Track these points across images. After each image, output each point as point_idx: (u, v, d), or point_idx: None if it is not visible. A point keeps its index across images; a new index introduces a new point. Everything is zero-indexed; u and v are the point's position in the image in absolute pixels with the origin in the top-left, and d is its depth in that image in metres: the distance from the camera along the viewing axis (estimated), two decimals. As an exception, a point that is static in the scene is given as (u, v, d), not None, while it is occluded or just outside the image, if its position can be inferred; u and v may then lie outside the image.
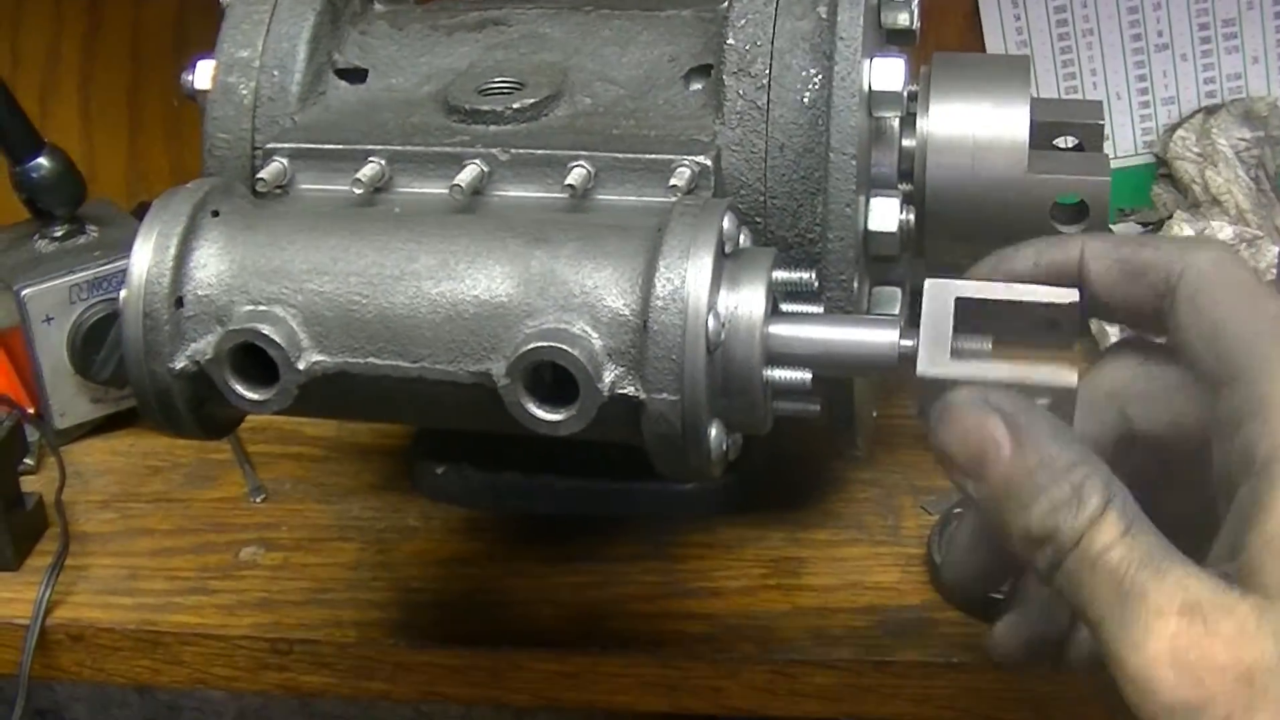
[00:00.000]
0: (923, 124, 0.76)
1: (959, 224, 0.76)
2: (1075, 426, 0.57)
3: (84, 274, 0.94)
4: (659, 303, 0.58)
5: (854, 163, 0.69)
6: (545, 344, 0.59)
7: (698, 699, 0.78)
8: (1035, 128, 0.76)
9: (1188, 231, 0.97)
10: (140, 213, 1.02)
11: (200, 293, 0.63)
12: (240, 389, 0.62)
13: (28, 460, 0.91)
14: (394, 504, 0.89)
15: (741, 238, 0.63)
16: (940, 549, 0.80)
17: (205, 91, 0.77)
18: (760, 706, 0.78)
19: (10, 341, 0.99)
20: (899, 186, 0.75)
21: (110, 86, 1.18)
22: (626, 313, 0.60)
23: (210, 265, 0.64)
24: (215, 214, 0.65)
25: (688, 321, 0.58)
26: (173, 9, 1.16)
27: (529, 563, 0.83)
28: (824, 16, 0.71)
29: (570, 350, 0.59)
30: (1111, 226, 1.00)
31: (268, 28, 0.76)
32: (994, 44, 1.09)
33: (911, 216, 0.75)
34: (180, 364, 0.63)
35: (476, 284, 0.61)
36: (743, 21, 0.72)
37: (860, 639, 0.77)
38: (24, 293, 0.93)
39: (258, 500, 0.90)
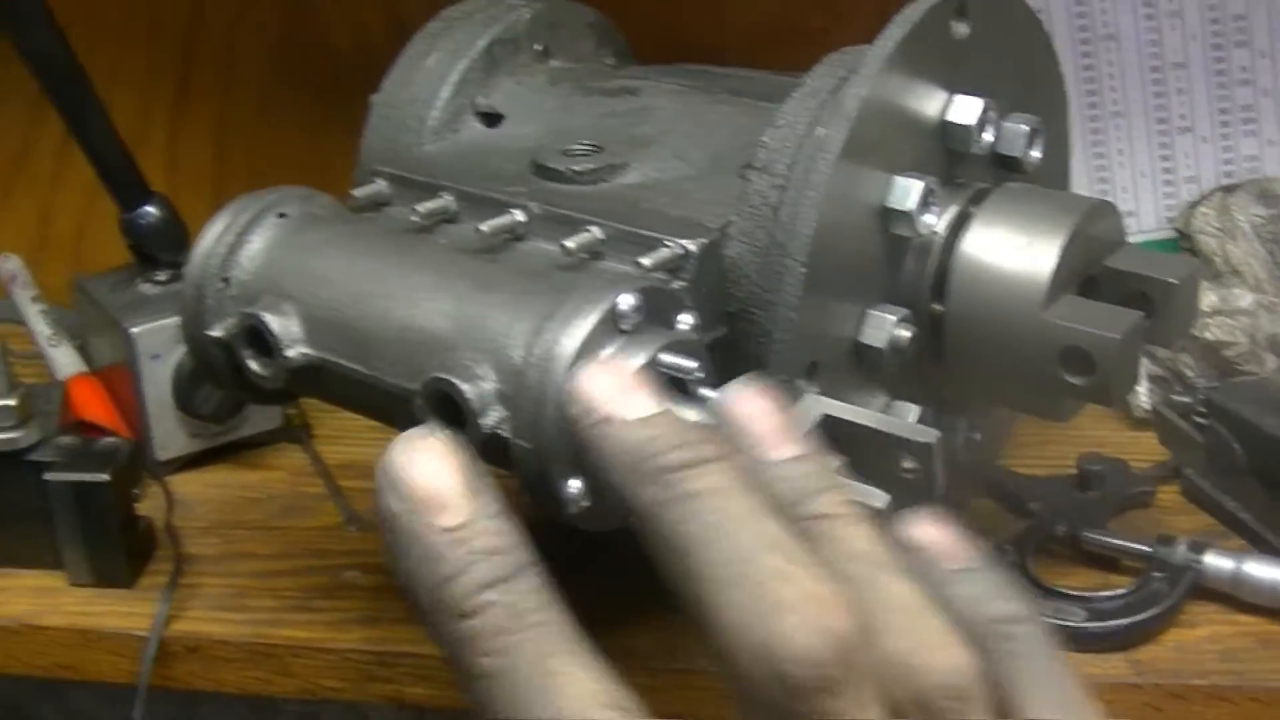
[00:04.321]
0: (960, 246, 0.77)
1: (974, 351, 0.78)
2: None
3: (190, 315, 1.00)
4: (532, 358, 0.64)
5: (803, 269, 0.71)
6: (443, 375, 0.66)
7: None
8: (1109, 274, 0.78)
9: (1211, 298, 1.04)
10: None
11: (242, 277, 0.75)
12: (251, 362, 0.74)
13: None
14: (483, 534, 0.95)
15: (685, 322, 0.68)
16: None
17: None
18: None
19: (112, 377, 1.05)
20: (932, 305, 0.78)
21: (196, 146, 1.25)
22: (519, 362, 0.65)
23: (257, 256, 0.76)
24: (282, 215, 0.77)
25: (548, 378, 0.63)
26: (258, 80, 1.23)
27: (615, 586, 0.88)
28: None
29: (460, 385, 0.65)
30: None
31: (425, 65, 0.87)
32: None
33: (907, 333, 0.76)
34: (217, 333, 0.75)
35: (424, 314, 0.70)
36: (782, 123, 0.75)
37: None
38: (134, 330, 0.99)
39: (353, 530, 0.96)
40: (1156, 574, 0.86)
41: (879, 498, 0.61)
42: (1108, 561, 0.89)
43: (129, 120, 1.16)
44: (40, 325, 1.12)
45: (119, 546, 0.91)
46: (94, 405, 1.04)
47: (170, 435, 1.01)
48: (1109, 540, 0.89)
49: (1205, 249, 1.10)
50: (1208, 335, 1.03)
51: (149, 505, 0.96)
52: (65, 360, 1.09)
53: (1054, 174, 0.87)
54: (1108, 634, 0.83)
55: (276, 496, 1.00)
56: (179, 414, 1.01)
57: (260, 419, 1.04)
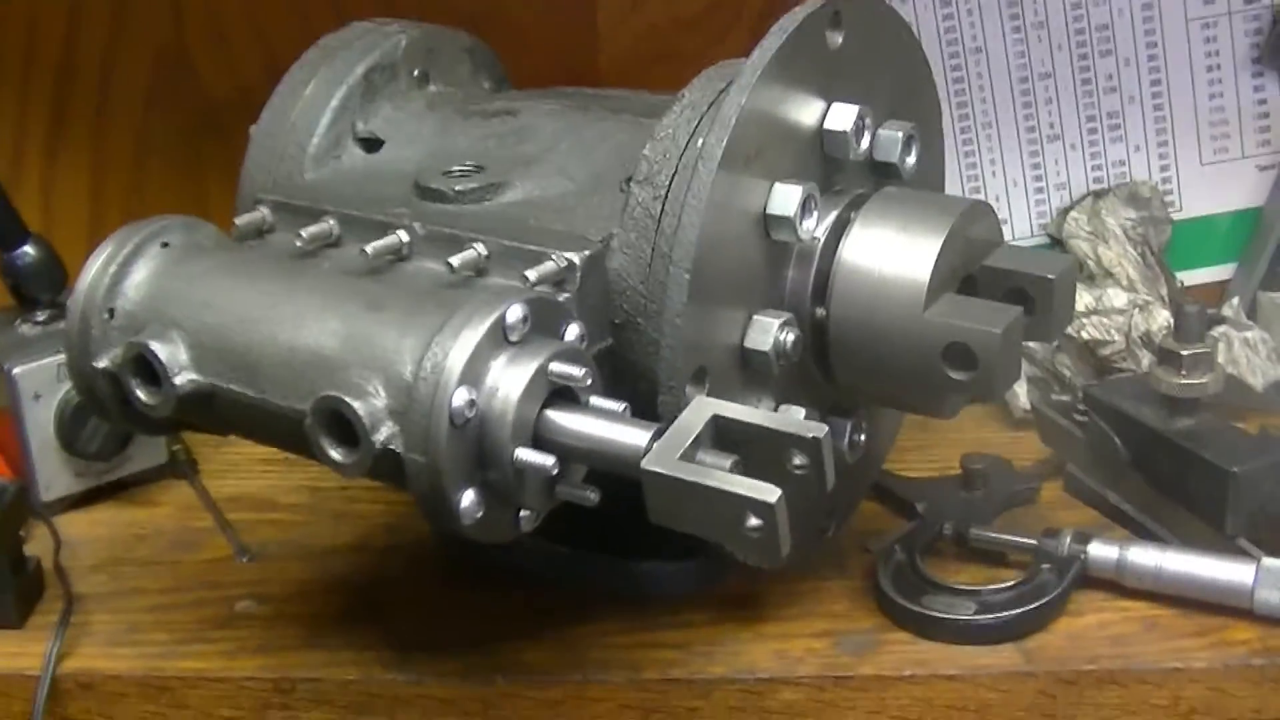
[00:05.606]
0: (840, 251, 0.78)
1: (858, 353, 0.79)
2: None
3: (71, 354, 0.98)
4: (423, 373, 0.65)
5: (688, 277, 0.72)
6: (333, 394, 0.67)
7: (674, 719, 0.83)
8: (988, 273, 0.78)
9: (1086, 299, 1.06)
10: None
11: (127, 307, 0.75)
12: (139, 391, 0.74)
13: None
14: (374, 560, 0.95)
15: (572, 332, 0.70)
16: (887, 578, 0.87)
17: None
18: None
19: (-8, 420, 1.04)
20: (815, 310, 0.79)
21: (71, 186, 1.24)
22: (409, 378, 0.66)
23: (142, 286, 0.76)
24: (165, 245, 0.77)
25: (438, 391, 0.65)
26: (135, 117, 1.22)
27: (511, 604, 0.89)
28: None
29: (352, 403, 0.66)
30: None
31: (304, 94, 0.87)
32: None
33: (791, 337, 0.77)
34: (103, 364, 0.75)
35: (312, 335, 0.70)
36: (663, 135, 0.77)
37: (819, 658, 0.84)
38: (15, 371, 0.98)
39: (244, 560, 0.95)
40: (1044, 565, 0.87)
41: (771, 492, 0.62)
42: (995, 557, 0.91)
43: (1, 161, 1.16)
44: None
45: (7, 588, 0.89)
46: (-26, 448, 1.03)
47: (55, 475, 1.00)
48: (995, 536, 0.91)
49: (1078, 253, 1.13)
50: (1084, 335, 1.05)
51: (35, 546, 0.94)
52: (-58, 405, 1.08)
53: (931, 181, 0.89)
54: (999, 625, 0.84)
55: (165, 532, 0.99)
56: (63, 454, 1.00)
57: (145, 456, 1.03)
